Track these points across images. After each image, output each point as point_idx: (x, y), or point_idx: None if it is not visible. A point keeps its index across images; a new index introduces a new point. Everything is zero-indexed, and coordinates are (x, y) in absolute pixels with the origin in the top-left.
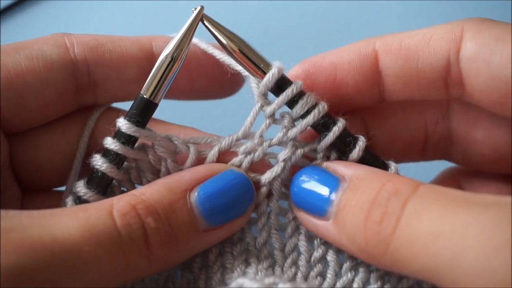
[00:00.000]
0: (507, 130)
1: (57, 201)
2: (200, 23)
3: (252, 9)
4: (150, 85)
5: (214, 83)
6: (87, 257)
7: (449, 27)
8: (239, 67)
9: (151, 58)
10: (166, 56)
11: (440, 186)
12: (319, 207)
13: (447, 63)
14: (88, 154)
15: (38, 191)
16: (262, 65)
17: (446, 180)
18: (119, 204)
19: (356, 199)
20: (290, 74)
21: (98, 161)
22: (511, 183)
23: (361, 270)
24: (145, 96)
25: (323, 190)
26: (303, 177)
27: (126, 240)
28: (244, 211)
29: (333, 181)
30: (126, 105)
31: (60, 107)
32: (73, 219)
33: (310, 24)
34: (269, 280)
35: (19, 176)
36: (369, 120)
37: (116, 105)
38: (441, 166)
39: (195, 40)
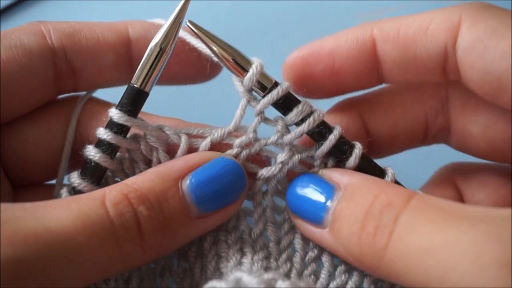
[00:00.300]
0: (502, 125)
1: (48, 195)
2: (191, 6)
3: (252, 9)
4: (140, 75)
5: (190, 68)
6: (81, 247)
7: (447, 15)
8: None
9: (128, 43)
10: (155, 46)
11: (433, 196)
12: (315, 215)
13: (444, 51)
14: (73, 148)
15: (29, 186)
16: (245, 64)
17: (442, 178)
18: (111, 194)
19: (351, 209)
20: (287, 61)
21: (91, 152)
22: (506, 183)
23: (355, 273)
24: (135, 86)
25: (319, 198)
26: (300, 185)
27: (119, 229)
28: (237, 198)
29: (329, 189)
30: (109, 97)
31: (42, 94)
32: (66, 210)
33: (310, 24)
34: (268, 276)
35: (9, 172)
36: (369, 116)
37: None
38: (439, 164)
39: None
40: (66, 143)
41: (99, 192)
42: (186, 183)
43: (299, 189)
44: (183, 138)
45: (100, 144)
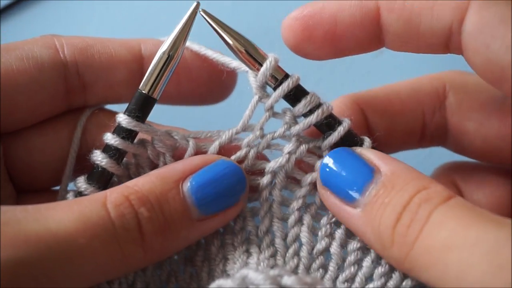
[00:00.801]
0: (495, 122)
1: (53, 200)
2: (200, 16)
3: (252, 9)
4: (148, 81)
5: (202, 86)
6: (82, 249)
7: None
8: (233, 64)
9: (140, 60)
10: (163, 53)
11: (469, 202)
12: (348, 194)
13: (449, 30)
14: (80, 155)
15: (34, 191)
16: (259, 58)
17: (441, 177)
18: (112, 196)
19: (390, 197)
20: (286, 21)
21: (99, 157)
22: (505, 183)
23: (364, 265)
24: (143, 92)
25: (357, 177)
26: (338, 157)
27: (120, 230)
28: (237, 200)
29: (368, 171)
30: (116, 108)
31: (51, 108)
32: (68, 212)
33: None
34: (273, 272)
35: (13, 177)
36: (369, 111)
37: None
38: (438, 164)
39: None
40: (71, 150)
41: (100, 194)
42: (187, 185)
43: (336, 162)
44: (191, 142)
45: (107, 149)
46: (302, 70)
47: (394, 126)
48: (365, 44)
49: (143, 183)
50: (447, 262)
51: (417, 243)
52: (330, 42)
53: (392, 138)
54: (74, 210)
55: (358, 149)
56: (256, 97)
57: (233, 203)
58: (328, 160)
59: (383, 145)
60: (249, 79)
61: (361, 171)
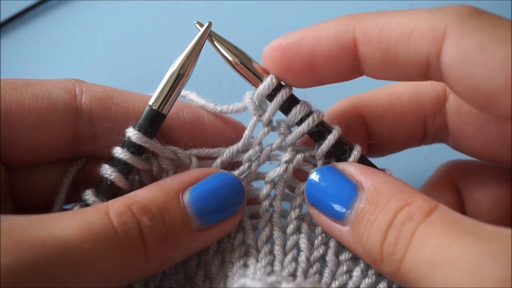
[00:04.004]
0: (494, 127)
1: None
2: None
3: (252, 9)
4: (158, 97)
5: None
6: (87, 255)
7: (432, 22)
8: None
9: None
10: (174, 71)
11: (452, 211)
12: (336, 211)
13: (426, 62)
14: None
15: (33, 209)
16: (257, 73)
17: (441, 177)
18: (114, 205)
19: (375, 215)
20: (266, 51)
21: (108, 170)
22: (504, 182)
23: (354, 274)
24: (153, 108)
25: (341, 195)
26: (321, 177)
27: (123, 238)
28: (236, 211)
29: (351, 187)
30: None
31: (55, 151)
32: (72, 220)
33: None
34: (271, 278)
35: (15, 200)
36: (369, 115)
37: None
38: (438, 163)
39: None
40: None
41: (103, 204)
42: (187, 196)
43: (320, 181)
44: (193, 160)
45: (116, 163)
46: None
47: (395, 130)
48: (344, 75)
49: (144, 194)
50: (434, 278)
51: (405, 260)
52: (309, 73)
53: (393, 141)
54: (77, 218)
55: (340, 165)
56: (254, 118)
57: (232, 213)
58: (311, 180)
59: (384, 148)
60: (245, 100)
61: (344, 188)
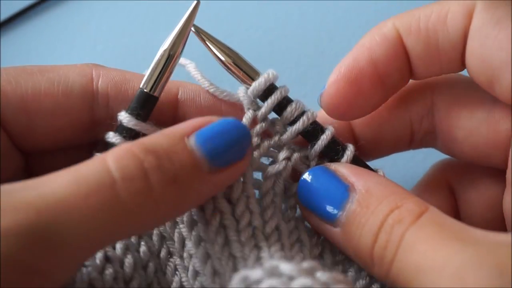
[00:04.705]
0: (484, 130)
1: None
2: (198, 16)
3: (252, 9)
4: (149, 80)
5: None
6: (77, 211)
7: (463, 2)
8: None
9: (175, 103)
10: (164, 51)
11: (442, 214)
12: (327, 213)
13: (464, 40)
14: None
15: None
16: (252, 74)
17: (435, 177)
18: (113, 151)
19: (366, 218)
20: (328, 87)
21: None
22: (498, 183)
23: (349, 275)
24: (145, 90)
25: (333, 197)
26: (312, 178)
27: (121, 182)
28: (244, 153)
29: (343, 189)
30: None
31: (73, 136)
32: (64, 176)
33: (310, 24)
34: (306, 264)
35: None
36: (354, 122)
37: None
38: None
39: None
40: None
41: (101, 154)
42: (193, 139)
43: (312, 181)
44: None
45: (109, 147)
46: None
47: (381, 135)
48: (405, 74)
49: (147, 139)
50: (421, 283)
51: (394, 264)
52: (378, 84)
53: (379, 145)
54: (70, 172)
55: (333, 166)
56: (249, 113)
57: (242, 156)
58: (304, 180)
59: (371, 152)
60: (239, 95)
61: (336, 190)
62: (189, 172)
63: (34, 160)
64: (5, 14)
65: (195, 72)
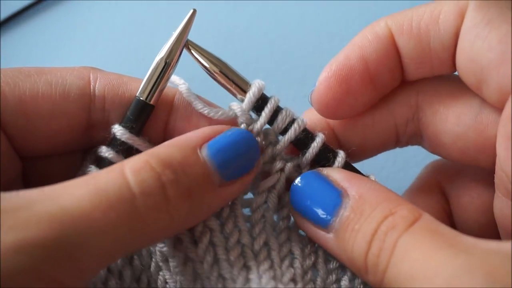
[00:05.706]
0: (472, 135)
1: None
2: (195, 23)
3: (252, 9)
4: (145, 88)
5: None
6: (98, 223)
7: (456, 2)
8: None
9: (171, 106)
10: (160, 60)
11: (435, 221)
12: (320, 219)
13: (455, 40)
14: None
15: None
16: (243, 85)
17: (427, 180)
18: (130, 163)
19: (359, 224)
20: (320, 84)
21: (93, 170)
22: (490, 186)
23: (343, 284)
24: (141, 98)
25: (326, 202)
26: (305, 183)
27: (141, 197)
28: (253, 166)
29: (336, 195)
30: None
31: (70, 139)
32: (83, 187)
33: (310, 24)
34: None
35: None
36: (338, 125)
37: None
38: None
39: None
40: None
41: (118, 164)
42: (205, 150)
43: (304, 187)
44: None
45: (103, 163)
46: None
47: (366, 140)
48: (396, 74)
49: (161, 149)
50: None
51: (387, 272)
52: (368, 83)
53: (364, 149)
54: (89, 184)
55: (325, 171)
56: (243, 126)
57: (250, 168)
58: (296, 186)
59: (356, 156)
60: (232, 108)
61: (329, 195)
62: (201, 185)
63: (28, 164)
64: (5, 13)
65: (188, 94)
